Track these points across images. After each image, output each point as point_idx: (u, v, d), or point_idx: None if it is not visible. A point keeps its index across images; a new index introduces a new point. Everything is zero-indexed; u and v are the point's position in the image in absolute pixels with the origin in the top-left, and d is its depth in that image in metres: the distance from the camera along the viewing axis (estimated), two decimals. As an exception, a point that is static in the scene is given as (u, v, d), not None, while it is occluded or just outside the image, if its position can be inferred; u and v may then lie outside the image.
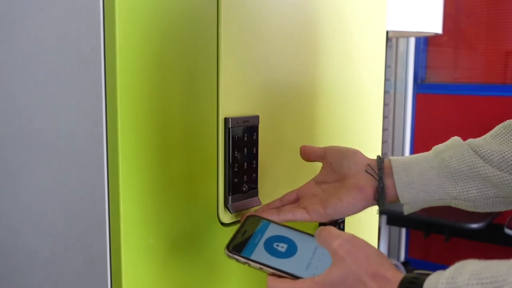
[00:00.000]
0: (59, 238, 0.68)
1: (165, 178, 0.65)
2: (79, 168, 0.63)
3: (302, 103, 0.87)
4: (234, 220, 0.75)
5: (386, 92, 3.12)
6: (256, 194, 0.77)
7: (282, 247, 0.62)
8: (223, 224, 0.74)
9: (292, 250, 0.62)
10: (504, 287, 0.46)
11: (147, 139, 0.62)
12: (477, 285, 0.47)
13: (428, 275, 0.52)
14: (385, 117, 3.13)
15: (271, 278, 0.59)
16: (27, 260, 0.73)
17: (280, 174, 0.84)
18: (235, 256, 0.61)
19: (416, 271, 0.54)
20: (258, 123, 0.76)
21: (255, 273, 0.79)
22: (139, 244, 0.63)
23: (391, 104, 3.22)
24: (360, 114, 1.04)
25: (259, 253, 0.61)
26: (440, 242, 3.07)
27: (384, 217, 2.96)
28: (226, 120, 0.71)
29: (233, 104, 0.73)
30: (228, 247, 0.62)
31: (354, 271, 0.55)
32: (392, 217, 2.96)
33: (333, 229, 0.60)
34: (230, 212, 0.73)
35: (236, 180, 0.73)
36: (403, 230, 3.26)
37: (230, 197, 0.73)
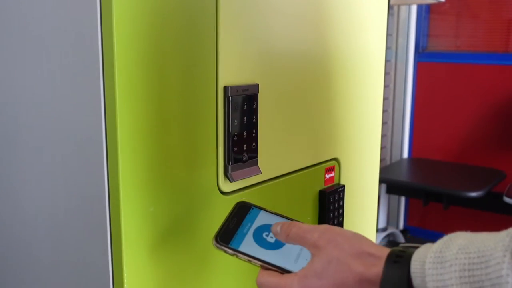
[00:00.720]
0: (58, 206, 0.68)
1: (165, 147, 0.64)
2: (77, 137, 0.63)
3: (303, 72, 0.86)
4: (234, 189, 0.75)
5: (387, 60, 3.10)
6: (256, 163, 0.77)
7: (271, 237, 0.61)
8: (223, 193, 0.74)
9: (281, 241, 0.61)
10: (490, 261, 0.46)
11: (146, 109, 0.62)
12: (464, 259, 0.46)
13: (415, 247, 0.51)
14: (385, 86, 3.12)
15: (260, 272, 0.59)
16: (26, 227, 0.73)
17: (280, 143, 0.84)
18: (223, 248, 0.60)
19: (402, 244, 0.54)
20: (258, 92, 0.75)
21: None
22: (139, 212, 0.63)
23: (392, 73, 3.19)
24: (360, 82, 1.03)
25: (248, 244, 0.60)
26: (439, 210, 3.09)
27: (384, 186, 2.97)
28: (225, 88, 0.70)
29: (233, 72, 0.72)
30: (216, 237, 0.60)
31: (336, 256, 0.54)
32: (392, 186, 2.98)
33: (303, 225, 0.59)
34: (230, 181, 0.73)
35: (236, 149, 0.73)
36: (402, 199, 3.28)
37: (230, 166, 0.72)
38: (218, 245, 0.60)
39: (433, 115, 3.13)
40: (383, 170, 2.87)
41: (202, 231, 0.71)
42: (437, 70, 3.10)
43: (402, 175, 2.96)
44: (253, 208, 0.64)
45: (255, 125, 0.76)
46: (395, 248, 0.52)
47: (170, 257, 0.67)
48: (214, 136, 0.71)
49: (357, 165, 1.07)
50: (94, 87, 0.59)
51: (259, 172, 0.77)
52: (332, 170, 0.98)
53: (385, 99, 3.15)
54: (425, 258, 0.49)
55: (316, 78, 0.90)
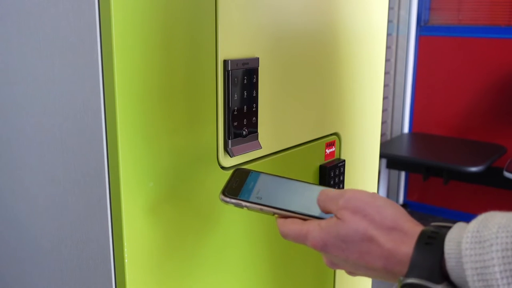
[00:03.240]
0: (58, 183, 0.67)
1: (164, 122, 0.64)
2: (75, 112, 0.62)
3: (303, 46, 0.85)
4: (234, 164, 0.75)
5: (388, 34, 3.07)
6: (256, 138, 0.77)
7: (277, 191, 0.60)
8: (223, 168, 0.73)
9: (288, 192, 0.60)
10: None
11: (145, 82, 0.61)
12: (506, 237, 0.43)
13: (448, 227, 0.48)
14: (387, 60, 3.10)
15: (280, 221, 0.56)
16: (27, 206, 0.73)
17: (280, 118, 0.83)
18: (233, 200, 0.59)
19: (434, 223, 0.50)
20: (258, 66, 0.75)
21: (253, 218, 0.80)
22: (139, 187, 0.63)
23: (393, 47, 3.17)
24: (361, 56, 1.02)
25: (256, 196, 0.60)
26: (439, 185, 3.11)
27: (384, 161, 2.97)
28: (225, 62, 0.70)
29: (233, 46, 0.71)
30: (223, 192, 0.60)
31: (365, 227, 0.50)
32: (392, 161, 2.98)
33: (330, 191, 0.56)
34: (230, 156, 0.73)
35: (235, 124, 0.72)
36: (403, 173, 3.29)
37: (230, 141, 0.72)
38: (227, 199, 0.59)
39: (434, 89, 3.11)
40: (384, 145, 2.88)
41: (202, 206, 0.71)
42: (439, 44, 3.08)
43: (403, 150, 2.97)
44: (252, 172, 0.64)
45: (255, 100, 0.75)
46: (427, 228, 0.49)
47: (171, 232, 0.68)
48: (214, 111, 0.70)
49: (358, 140, 1.07)
50: (92, 59, 0.59)
51: (259, 147, 0.77)
52: (333, 145, 0.98)
53: (386, 73, 3.14)
54: (461, 238, 0.45)
55: (316, 52, 0.89)
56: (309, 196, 0.59)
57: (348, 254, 0.51)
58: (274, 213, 0.58)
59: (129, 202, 0.62)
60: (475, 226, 0.46)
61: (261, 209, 0.58)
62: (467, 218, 0.50)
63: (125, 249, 0.62)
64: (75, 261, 0.69)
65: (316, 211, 0.57)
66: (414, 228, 0.49)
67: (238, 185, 0.61)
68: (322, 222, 0.54)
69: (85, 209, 0.65)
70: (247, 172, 0.64)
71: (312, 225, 0.54)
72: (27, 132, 0.69)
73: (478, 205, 3.01)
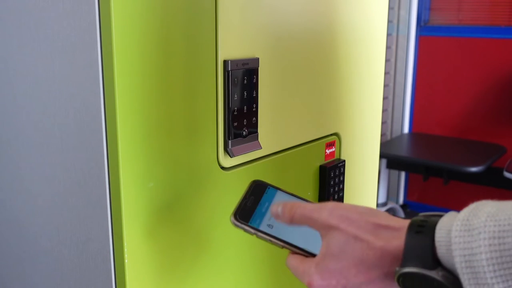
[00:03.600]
0: (58, 183, 0.68)
1: (164, 122, 0.64)
2: (75, 112, 0.62)
3: (303, 46, 0.85)
4: (234, 164, 0.75)
5: (388, 34, 3.07)
6: (256, 138, 0.77)
7: None
8: (223, 168, 0.73)
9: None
10: None
11: (145, 82, 0.61)
12: (494, 226, 0.44)
13: (438, 216, 0.49)
14: (387, 60, 3.10)
15: (289, 255, 0.56)
16: (27, 206, 0.73)
17: (280, 118, 0.83)
18: (243, 226, 0.57)
19: (422, 214, 0.51)
20: (258, 66, 0.75)
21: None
22: (139, 187, 0.63)
23: (393, 47, 3.17)
24: (361, 56, 1.02)
25: (268, 223, 0.57)
26: (439, 185, 3.10)
27: (384, 161, 2.97)
28: (225, 62, 0.70)
29: (233, 46, 0.71)
30: (235, 215, 0.58)
31: (353, 233, 0.51)
32: (392, 161, 2.98)
33: (307, 205, 0.55)
34: (230, 157, 0.73)
35: (235, 124, 0.72)
36: (403, 174, 3.29)
37: (230, 141, 0.72)
38: (238, 223, 0.57)
39: (434, 89, 3.11)
40: (384, 145, 2.88)
41: (202, 206, 0.71)
42: (439, 44, 3.08)
43: (403, 150, 2.97)
44: (269, 188, 0.62)
45: (255, 100, 0.75)
46: (416, 218, 0.49)
47: (170, 232, 0.68)
48: (214, 111, 0.70)
49: (358, 140, 1.07)
50: (92, 59, 0.59)
51: (259, 147, 0.77)
52: (333, 145, 0.98)
53: (386, 73, 3.14)
54: (451, 227, 0.46)
55: (316, 52, 0.89)
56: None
57: (345, 273, 0.51)
58: (282, 247, 0.56)
59: (129, 202, 0.62)
60: (465, 214, 0.46)
61: (270, 241, 0.56)
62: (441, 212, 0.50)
63: (125, 249, 0.62)
64: (75, 261, 0.69)
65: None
66: (402, 223, 0.50)
67: (251, 206, 0.59)
68: (316, 257, 0.53)
69: (85, 209, 0.65)
70: (264, 187, 0.61)
71: (308, 263, 0.54)
72: (27, 132, 0.70)
73: (478, 205, 3.00)
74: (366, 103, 1.07)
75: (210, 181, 0.72)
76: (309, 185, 0.93)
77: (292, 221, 0.56)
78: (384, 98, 3.18)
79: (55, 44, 0.62)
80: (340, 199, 1.00)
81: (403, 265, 0.47)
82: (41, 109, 0.67)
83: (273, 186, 0.62)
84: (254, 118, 0.76)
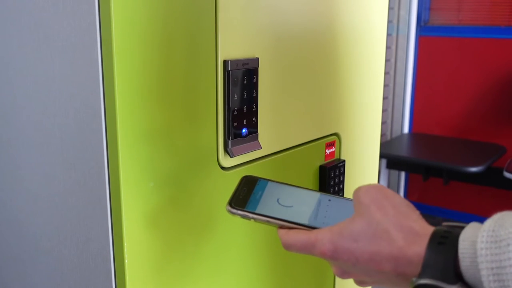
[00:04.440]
0: (58, 183, 0.68)
1: (164, 122, 0.64)
2: (75, 111, 0.62)
3: (303, 46, 0.85)
4: (234, 164, 0.75)
5: (388, 34, 3.07)
6: (256, 138, 0.77)
7: (285, 201, 0.60)
8: (223, 168, 0.73)
9: (296, 202, 0.60)
10: None
11: (145, 82, 0.61)
12: None
13: (461, 227, 0.47)
14: (386, 60, 3.10)
15: (282, 232, 0.56)
16: (27, 206, 0.73)
17: (280, 118, 0.83)
18: (239, 212, 0.58)
19: (445, 223, 0.49)
20: (258, 66, 0.75)
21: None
22: (139, 187, 0.63)
23: (393, 47, 3.17)
24: (361, 56, 1.02)
25: (263, 207, 0.59)
26: (439, 185, 3.10)
27: (384, 161, 2.97)
28: (225, 62, 0.70)
29: (233, 46, 0.71)
30: (230, 203, 0.59)
31: (378, 219, 0.50)
32: (392, 161, 2.98)
33: (362, 185, 0.56)
34: (230, 157, 0.73)
35: (235, 124, 0.72)
36: (402, 174, 3.29)
37: (230, 141, 0.72)
38: (234, 210, 0.58)
39: (434, 90, 3.11)
40: (384, 145, 2.88)
41: (202, 206, 0.71)
42: (439, 44, 3.08)
43: (403, 150, 2.97)
44: (260, 180, 0.64)
45: (255, 100, 0.75)
46: (439, 228, 0.48)
47: (171, 232, 0.68)
48: (214, 111, 0.70)
49: (358, 140, 1.07)
50: (92, 58, 0.59)
51: (259, 147, 0.77)
52: (333, 145, 0.98)
53: (386, 73, 3.14)
54: (476, 238, 0.44)
55: (316, 52, 0.89)
56: (317, 206, 0.59)
57: (358, 255, 0.50)
58: (281, 226, 0.57)
59: (129, 202, 0.62)
60: (490, 225, 0.45)
61: (268, 221, 0.58)
62: (468, 219, 0.49)
63: (125, 249, 0.62)
64: (75, 261, 0.69)
65: (325, 223, 0.56)
66: (426, 229, 0.49)
67: (245, 195, 0.61)
68: (334, 225, 0.53)
69: (85, 209, 0.65)
70: (255, 180, 0.63)
71: (321, 231, 0.53)
72: (27, 132, 0.70)
73: (478, 205, 3.01)
74: (366, 103, 1.07)
75: (210, 181, 0.72)
76: (309, 185, 0.93)
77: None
78: (384, 98, 3.18)
79: (55, 44, 0.62)
80: (340, 199, 1.00)
81: (421, 275, 0.46)
82: (41, 109, 0.67)
83: (263, 179, 0.64)
84: (254, 118, 0.76)
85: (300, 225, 0.56)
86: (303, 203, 0.60)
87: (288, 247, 0.55)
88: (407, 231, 0.49)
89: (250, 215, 0.58)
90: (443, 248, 0.46)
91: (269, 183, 0.63)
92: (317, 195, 0.61)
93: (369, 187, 0.53)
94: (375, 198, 0.52)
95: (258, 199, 0.60)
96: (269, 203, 0.60)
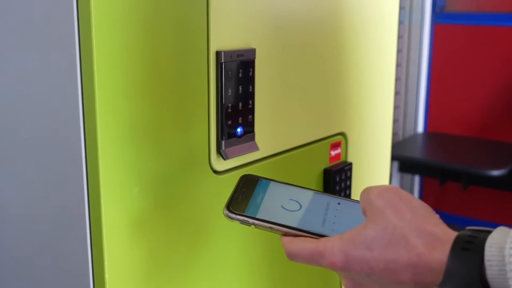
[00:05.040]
0: (30, 188, 0.67)
1: (150, 120, 0.64)
2: (50, 107, 0.62)
3: (306, 35, 0.85)
4: (228, 167, 0.75)
5: (400, 22, 3.07)
6: (252, 138, 0.77)
7: (289, 204, 0.60)
8: (216, 172, 0.73)
9: (301, 206, 0.60)
10: None
11: (129, 75, 0.61)
12: None
13: (487, 232, 0.47)
14: (398, 51, 3.10)
15: (286, 240, 0.55)
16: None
17: (279, 116, 0.83)
18: (238, 217, 0.57)
19: (469, 227, 0.49)
20: (255, 57, 0.75)
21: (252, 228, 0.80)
22: (122, 193, 0.63)
23: (406, 36, 3.18)
24: (370, 47, 1.02)
25: (265, 211, 0.59)
26: (457, 190, 3.10)
27: (396, 163, 2.97)
28: (218, 53, 0.70)
29: (226, 35, 0.71)
30: (228, 207, 0.58)
31: (394, 224, 0.50)
32: (405, 164, 2.98)
33: (372, 186, 0.55)
34: (223, 159, 0.73)
35: (230, 122, 0.72)
36: (416, 178, 3.29)
37: (223, 141, 0.72)
38: (232, 215, 0.57)
39: (451, 84, 3.12)
40: (395, 146, 2.88)
41: (193, 215, 0.71)
42: (456, 33, 3.08)
43: (417, 152, 2.97)
44: (261, 180, 0.63)
45: (251, 96, 0.75)
46: (463, 233, 0.48)
47: (157, 245, 0.68)
48: (206, 108, 0.70)
49: (366, 140, 1.07)
50: (69, 50, 0.59)
51: (256, 148, 0.77)
52: (338, 146, 0.98)
53: (398, 66, 3.14)
54: (504, 244, 0.44)
55: (320, 43, 0.89)
56: (325, 210, 0.59)
57: (372, 265, 0.50)
58: (285, 233, 0.57)
59: (111, 210, 0.62)
60: None
61: (270, 228, 0.57)
62: (489, 227, 0.49)
63: (106, 263, 0.62)
64: (49, 276, 0.69)
65: (334, 230, 0.56)
66: (448, 234, 0.49)
67: (245, 197, 0.60)
68: (344, 233, 0.53)
69: (61, 217, 0.65)
70: (256, 180, 0.63)
71: (330, 240, 0.53)
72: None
73: (500, 212, 3.01)
74: (376, 99, 1.08)
75: (202, 186, 0.72)
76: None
77: (360, 203, 0.55)
78: (396, 93, 3.19)
79: (28, 36, 0.62)
80: (347, 206, 1.00)
81: (442, 285, 0.46)
82: (11, 104, 0.66)
83: (265, 178, 0.63)
84: (250, 116, 0.76)
85: (307, 232, 0.56)
86: (310, 207, 0.60)
87: (292, 257, 0.55)
88: (427, 236, 0.49)
89: (251, 220, 0.57)
90: (468, 254, 0.46)
91: (272, 184, 0.63)
92: (325, 197, 0.61)
93: (382, 188, 0.53)
94: (389, 200, 0.52)
95: (259, 202, 0.60)
96: (271, 206, 0.59)
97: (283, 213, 0.58)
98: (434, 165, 2.74)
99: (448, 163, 2.67)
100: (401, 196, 0.53)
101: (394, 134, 3.25)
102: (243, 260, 0.81)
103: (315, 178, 0.94)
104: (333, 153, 0.97)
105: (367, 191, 0.54)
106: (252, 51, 0.75)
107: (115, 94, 0.60)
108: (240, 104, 0.74)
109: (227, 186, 0.74)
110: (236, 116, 0.73)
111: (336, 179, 0.96)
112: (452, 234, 0.49)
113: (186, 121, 0.68)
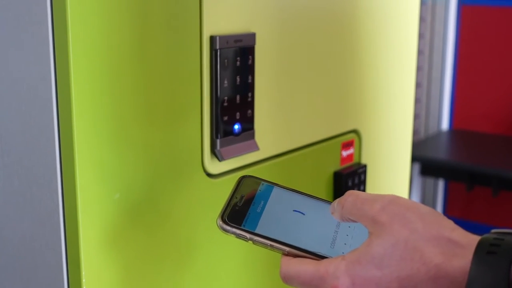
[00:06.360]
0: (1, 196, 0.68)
1: (135, 116, 0.64)
2: (19, 102, 0.62)
3: (314, 17, 0.85)
4: (224, 170, 0.75)
5: (422, 3, 3.07)
6: (252, 136, 0.77)
7: (295, 217, 0.59)
8: (209, 175, 0.74)
9: (309, 222, 0.59)
10: None
11: (111, 65, 0.61)
12: None
13: None
14: (420, 36, 3.10)
15: (285, 260, 0.55)
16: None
17: (283, 111, 0.83)
18: (234, 230, 0.56)
19: (494, 230, 0.50)
20: (255, 43, 0.75)
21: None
22: (101, 200, 0.63)
23: (429, 20, 3.18)
24: (387, 32, 1.02)
25: (266, 224, 0.57)
26: (486, 196, 3.11)
27: (417, 166, 2.98)
28: (212, 39, 0.70)
29: (222, 18, 0.71)
30: (222, 217, 0.57)
31: (405, 237, 0.50)
32: (427, 166, 2.99)
33: (361, 193, 0.56)
34: (218, 160, 0.73)
35: (226, 118, 0.72)
36: (440, 182, 3.30)
37: (218, 140, 0.72)
38: (227, 227, 0.56)
39: (480, 74, 3.12)
40: (416, 145, 2.88)
41: (182, 224, 0.71)
42: (486, 16, 3.08)
43: (440, 152, 2.97)
44: (263, 183, 0.62)
45: (251, 87, 0.75)
46: (487, 235, 0.48)
47: (142, 258, 0.68)
48: (198, 102, 0.70)
49: (383, 139, 1.07)
50: (42, 35, 0.59)
51: (256, 148, 0.77)
52: (351, 145, 0.98)
53: (419, 53, 3.14)
54: None
55: (330, 27, 0.89)
56: (336, 228, 0.58)
57: (384, 285, 0.50)
58: (287, 253, 0.56)
59: (88, 219, 0.62)
60: None
61: (271, 246, 0.56)
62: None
63: (83, 280, 0.62)
64: (18, 295, 0.69)
65: (345, 252, 0.55)
66: (469, 239, 0.49)
67: (243, 205, 0.59)
68: (347, 253, 0.53)
69: (32, 228, 0.65)
70: (257, 183, 0.62)
71: (333, 262, 0.53)
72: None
73: (536, 222, 3.02)
74: (394, 92, 1.08)
75: (193, 191, 0.72)
76: (321, 197, 0.93)
77: (343, 212, 0.56)
78: (417, 85, 3.19)
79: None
80: (360, 214, 1.00)
81: None
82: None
83: (267, 182, 0.62)
84: (249, 111, 0.76)
85: (313, 254, 0.55)
86: (319, 222, 0.59)
87: (288, 279, 0.55)
88: (444, 244, 0.49)
89: (248, 235, 0.56)
90: (493, 258, 0.46)
91: (275, 189, 0.62)
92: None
93: (385, 202, 0.53)
94: (396, 214, 0.52)
95: (259, 213, 0.59)
96: (274, 219, 0.58)
97: (288, 228, 0.57)
98: (461, 167, 2.75)
99: (476, 165, 2.67)
100: (407, 205, 0.53)
101: (415, 131, 3.25)
102: (240, 273, 0.81)
103: (324, 182, 0.94)
104: (344, 153, 0.97)
105: (362, 208, 0.54)
106: (252, 36, 0.75)
107: (94, 88, 0.60)
108: (238, 97, 0.74)
109: (223, 191, 0.74)
110: (233, 111, 0.73)
111: (348, 184, 0.96)
112: (473, 238, 0.49)
113: (176, 117, 0.68)
